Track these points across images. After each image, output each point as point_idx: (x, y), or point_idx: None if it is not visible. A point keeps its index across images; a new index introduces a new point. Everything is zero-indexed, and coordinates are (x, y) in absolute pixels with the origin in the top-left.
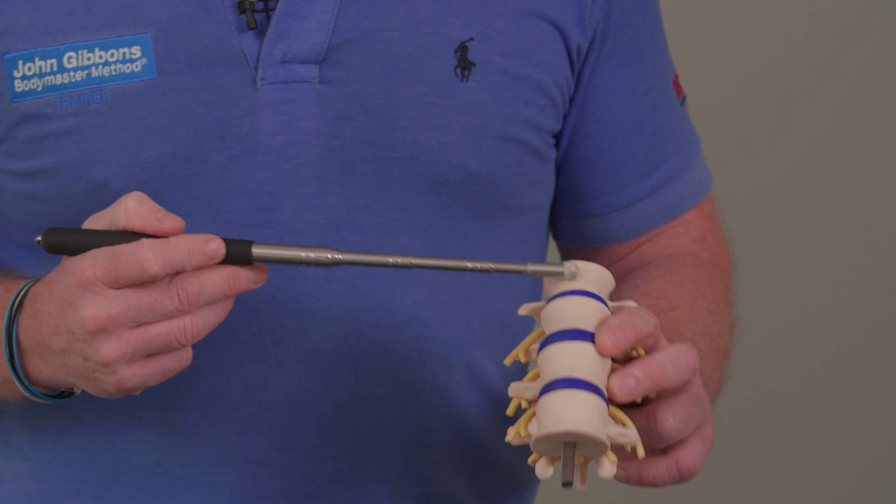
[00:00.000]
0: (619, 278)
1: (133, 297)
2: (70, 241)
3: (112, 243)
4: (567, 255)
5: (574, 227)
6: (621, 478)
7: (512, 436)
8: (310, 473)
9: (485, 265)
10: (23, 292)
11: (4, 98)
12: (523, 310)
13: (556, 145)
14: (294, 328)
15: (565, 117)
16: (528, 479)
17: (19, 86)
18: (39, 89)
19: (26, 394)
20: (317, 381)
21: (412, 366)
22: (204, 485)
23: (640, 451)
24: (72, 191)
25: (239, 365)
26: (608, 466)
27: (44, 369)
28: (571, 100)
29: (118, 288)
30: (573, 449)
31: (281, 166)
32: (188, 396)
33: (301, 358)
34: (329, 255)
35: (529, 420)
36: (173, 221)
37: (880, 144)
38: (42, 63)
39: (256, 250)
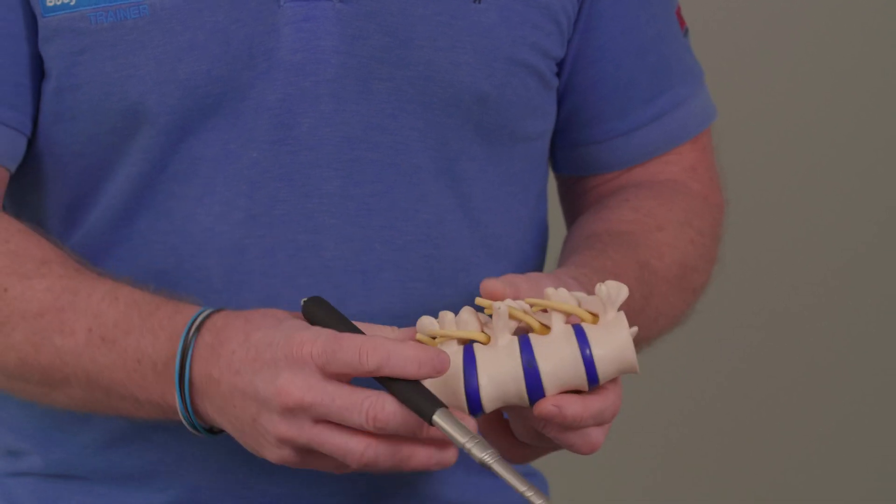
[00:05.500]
0: (610, 195)
1: (329, 395)
2: (322, 319)
3: None
4: (565, 185)
5: (574, 156)
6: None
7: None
8: None
9: None
10: (204, 315)
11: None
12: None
13: (559, 74)
14: (306, 244)
15: (568, 43)
16: None
17: (50, 0)
18: (72, 3)
19: (186, 425)
20: (328, 296)
21: (422, 285)
22: None
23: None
24: (104, 107)
25: (251, 279)
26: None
27: (203, 405)
28: (575, 24)
29: (326, 375)
30: None
31: (300, 83)
32: (200, 307)
33: (313, 274)
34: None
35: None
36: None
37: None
38: None
39: (438, 417)
